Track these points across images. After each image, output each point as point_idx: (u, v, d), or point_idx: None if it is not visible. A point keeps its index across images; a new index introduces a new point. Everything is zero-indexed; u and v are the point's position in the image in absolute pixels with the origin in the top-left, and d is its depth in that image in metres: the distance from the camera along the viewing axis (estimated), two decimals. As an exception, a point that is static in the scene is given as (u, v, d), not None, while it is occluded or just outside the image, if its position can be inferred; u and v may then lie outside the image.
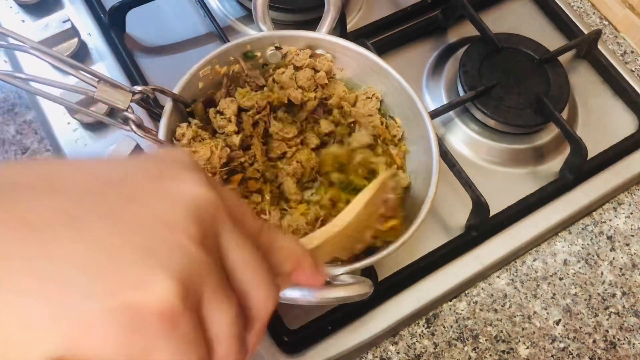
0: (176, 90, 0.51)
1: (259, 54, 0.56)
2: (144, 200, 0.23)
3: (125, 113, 0.47)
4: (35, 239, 0.21)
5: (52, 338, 0.20)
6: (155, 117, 0.54)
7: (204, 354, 0.23)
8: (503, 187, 0.64)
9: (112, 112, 0.59)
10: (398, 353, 0.56)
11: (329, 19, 0.58)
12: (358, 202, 0.42)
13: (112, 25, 0.66)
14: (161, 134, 0.49)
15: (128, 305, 0.20)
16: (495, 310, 0.59)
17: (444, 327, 0.57)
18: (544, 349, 0.57)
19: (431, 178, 0.51)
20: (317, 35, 0.57)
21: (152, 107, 0.54)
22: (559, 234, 0.63)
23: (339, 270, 0.46)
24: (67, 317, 0.20)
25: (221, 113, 0.54)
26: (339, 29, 0.65)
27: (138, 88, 0.48)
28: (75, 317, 0.20)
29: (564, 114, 0.67)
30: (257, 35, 0.56)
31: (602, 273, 0.62)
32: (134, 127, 0.48)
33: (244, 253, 0.26)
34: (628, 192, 0.67)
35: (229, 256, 0.25)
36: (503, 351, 0.57)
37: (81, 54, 0.64)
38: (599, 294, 0.61)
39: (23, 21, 0.66)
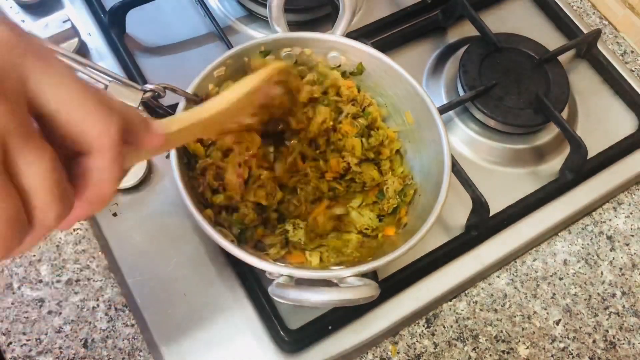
0: (190, 89, 0.51)
1: (273, 56, 0.56)
2: None
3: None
4: None
5: None
6: (157, 117, 0.54)
7: (11, 206, 0.22)
8: (503, 187, 0.64)
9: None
10: (398, 353, 0.56)
11: (344, 21, 0.59)
12: (237, 91, 0.41)
13: (112, 25, 0.66)
14: None
15: None
16: (495, 310, 0.59)
17: (444, 327, 0.57)
18: (544, 349, 0.58)
19: (442, 182, 0.51)
20: (331, 37, 0.57)
21: (156, 106, 0.54)
22: (559, 234, 0.63)
23: (346, 272, 0.46)
24: None
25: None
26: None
27: (149, 86, 0.48)
28: None
29: (564, 114, 0.67)
30: (272, 37, 0.56)
31: (602, 273, 0.62)
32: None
33: (62, 89, 0.24)
34: (628, 192, 0.67)
35: (42, 97, 0.23)
36: (503, 351, 0.57)
37: (81, 54, 0.64)
38: (599, 294, 0.61)
39: (23, 21, 0.66)
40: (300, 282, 0.45)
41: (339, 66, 0.58)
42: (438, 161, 0.53)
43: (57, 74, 0.24)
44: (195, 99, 0.52)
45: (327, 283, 0.46)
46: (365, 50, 0.56)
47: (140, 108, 0.48)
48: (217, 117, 0.39)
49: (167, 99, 0.53)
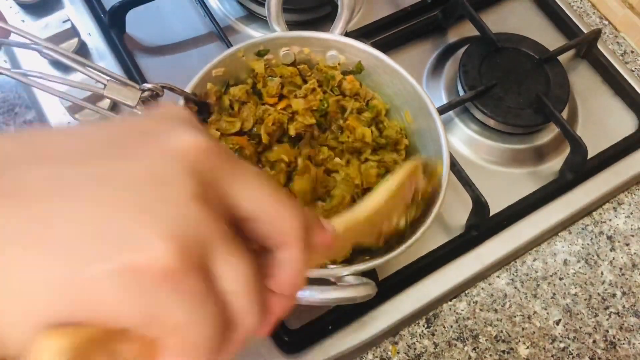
0: (188, 88, 0.51)
1: (271, 55, 0.56)
2: (137, 157, 0.22)
3: (134, 110, 0.47)
4: (23, 207, 0.20)
5: (49, 305, 0.20)
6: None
7: (217, 310, 0.22)
8: (503, 187, 0.64)
9: (114, 109, 0.59)
10: (398, 353, 0.56)
11: (342, 20, 0.59)
12: (385, 189, 0.41)
13: (112, 25, 0.66)
14: None
15: (126, 267, 0.20)
16: (495, 310, 0.59)
17: (444, 327, 0.57)
18: (544, 349, 0.58)
19: (441, 183, 0.51)
20: (330, 36, 0.57)
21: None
22: (559, 234, 0.63)
23: (344, 271, 0.46)
24: (61, 283, 0.20)
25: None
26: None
27: (148, 85, 0.48)
28: (72, 282, 0.20)
29: (564, 114, 0.67)
30: (270, 36, 0.56)
31: (602, 273, 0.62)
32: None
33: (259, 193, 0.25)
34: (628, 192, 0.67)
35: (243, 203, 0.24)
36: (503, 351, 0.57)
37: (81, 54, 0.64)
38: (599, 294, 0.61)
39: (23, 21, 0.66)
40: None
41: (338, 65, 0.58)
42: (437, 160, 0.53)
43: (254, 179, 0.25)
44: (193, 98, 0.52)
45: (324, 282, 0.46)
46: (364, 49, 0.56)
47: (138, 107, 0.47)
48: (375, 216, 0.39)
49: (167, 99, 0.53)
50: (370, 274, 0.54)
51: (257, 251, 0.26)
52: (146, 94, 0.48)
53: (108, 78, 0.47)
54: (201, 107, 0.53)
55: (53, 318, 0.20)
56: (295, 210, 0.26)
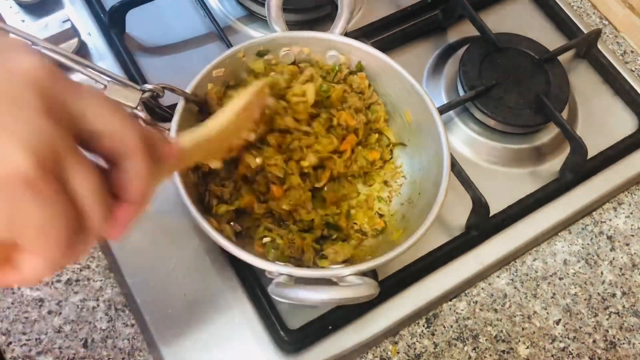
0: (189, 89, 0.51)
1: (271, 55, 0.56)
2: None
3: (135, 111, 0.47)
4: None
5: None
6: (157, 118, 0.54)
7: (70, 213, 0.26)
8: (503, 187, 0.64)
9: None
10: (398, 353, 0.56)
11: (342, 20, 0.59)
12: (232, 107, 0.44)
13: (112, 25, 0.66)
14: (172, 133, 0.49)
15: None
16: (495, 310, 0.59)
17: (444, 327, 0.57)
18: (544, 348, 0.58)
19: (441, 181, 0.51)
20: (330, 36, 0.57)
21: (155, 106, 0.54)
22: (559, 234, 0.63)
23: (345, 271, 0.46)
24: None
25: None
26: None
27: (148, 86, 0.48)
28: None
29: (564, 114, 0.67)
30: (270, 36, 0.56)
31: (602, 273, 0.62)
32: (143, 125, 0.48)
33: (102, 111, 0.28)
34: (628, 192, 0.67)
35: (85, 118, 0.28)
36: (503, 351, 0.57)
37: (81, 54, 0.64)
38: (599, 293, 0.61)
39: (23, 21, 0.66)
40: (300, 281, 0.45)
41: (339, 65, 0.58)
42: (437, 160, 0.53)
43: (94, 98, 0.28)
44: (194, 99, 0.52)
45: (326, 282, 0.46)
46: (364, 49, 0.56)
47: (139, 108, 0.48)
48: (222, 134, 0.42)
49: (167, 100, 0.53)
50: (370, 273, 0.54)
51: (107, 170, 0.29)
52: (147, 94, 0.48)
53: (108, 79, 0.47)
54: (202, 108, 0.53)
55: None
56: (135, 125, 0.29)
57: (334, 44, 0.57)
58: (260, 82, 0.51)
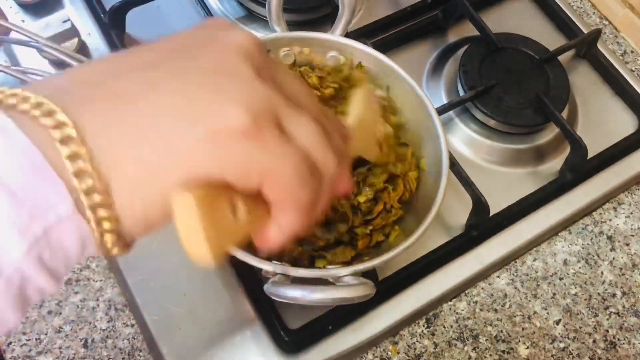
0: None
1: (272, 55, 0.56)
2: (203, 55, 0.29)
3: None
4: (131, 105, 0.27)
5: (166, 170, 0.27)
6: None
7: (299, 156, 0.29)
8: (503, 187, 0.64)
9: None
10: (398, 353, 0.56)
11: (343, 21, 0.58)
12: (357, 103, 0.44)
13: (112, 25, 0.66)
14: None
15: (212, 131, 0.26)
16: (495, 310, 0.59)
17: (444, 327, 0.57)
18: (544, 349, 0.58)
19: (440, 181, 0.51)
20: (331, 37, 0.57)
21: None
22: (559, 234, 0.63)
23: (342, 271, 0.46)
24: (169, 156, 0.26)
25: None
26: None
27: None
28: (178, 153, 0.26)
29: (564, 114, 0.67)
30: (271, 36, 0.56)
31: (602, 273, 0.62)
32: None
33: (300, 87, 0.32)
34: (628, 192, 0.67)
35: (285, 84, 0.31)
36: (503, 351, 0.57)
37: (81, 54, 0.64)
38: (599, 294, 0.61)
39: (23, 21, 0.66)
40: (296, 281, 0.45)
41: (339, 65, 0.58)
42: (437, 160, 0.53)
43: (297, 80, 0.32)
44: None
45: (323, 281, 0.46)
46: (364, 50, 0.56)
47: None
48: (363, 126, 0.43)
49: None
50: (370, 274, 0.54)
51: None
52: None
53: None
54: None
55: (180, 180, 0.27)
56: (318, 101, 0.33)
57: (335, 45, 0.57)
58: (363, 86, 0.51)
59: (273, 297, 0.45)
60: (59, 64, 0.63)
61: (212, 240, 0.28)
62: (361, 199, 0.53)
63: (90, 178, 0.25)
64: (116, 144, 0.26)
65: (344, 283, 0.45)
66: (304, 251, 0.52)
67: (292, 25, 0.60)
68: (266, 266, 0.46)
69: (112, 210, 0.26)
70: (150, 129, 0.26)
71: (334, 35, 0.57)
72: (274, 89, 0.29)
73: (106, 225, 0.26)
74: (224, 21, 0.33)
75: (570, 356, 0.58)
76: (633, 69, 0.75)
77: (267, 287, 0.45)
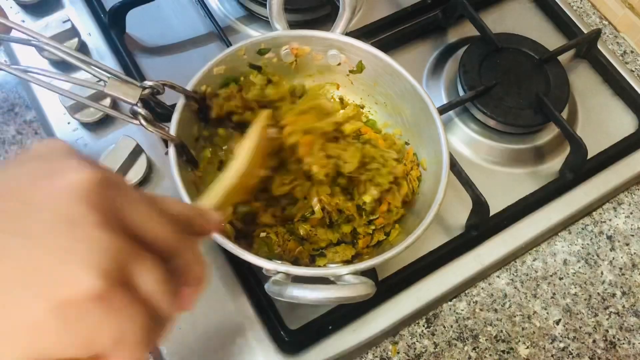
0: (189, 86, 0.51)
1: (272, 53, 0.56)
2: (42, 204, 0.26)
3: (135, 107, 0.47)
4: None
5: (15, 348, 0.24)
6: (157, 117, 0.54)
7: (145, 315, 0.27)
8: (503, 187, 0.64)
9: (115, 106, 0.59)
10: (398, 353, 0.56)
11: (343, 20, 0.59)
12: (245, 151, 0.45)
13: (112, 25, 0.66)
14: (172, 130, 0.49)
15: (62, 302, 0.24)
16: (495, 310, 0.59)
17: (444, 326, 0.57)
18: (544, 348, 0.58)
19: (440, 181, 0.51)
20: (331, 35, 0.57)
21: (155, 103, 0.53)
22: (559, 234, 0.63)
23: (343, 270, 0.46)
24: (11, 332, 0.24)
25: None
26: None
27: (148, 83, 0.48)
28: (20, 328, 0.24)
29: (564, 114, 0.67)
30: (271, 35, 0.56)
31: (602, 273, 0.62)
32: (143, 122, 0.48)
33: (146, 211, 0.29)
34: (628, 192, 0.67)
35: (134, 222, 0.28)
36: (503, 351, 0.57)
37: (81, 53, 0.64)
38: (599, 293, 0.61)
39: (23, 21, 0.66)
40: (297, 280, 0.45)
41: (339, 64, 0.58)
42: (437, 160, 0.53)
43: (141, 205, 0.29)
44: (194, 96, 0.52)
45: (323, 280, 0.46)
46: (364, 49, 0.56)
47: (139, 105, 0.47)
48: (241, 180, 0.43)
49: (167, 99, 0.53)
50: (370, 273, 0.54)
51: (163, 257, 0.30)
52: (147, 91, 0.48)
53: (109, 75, 0.47)
54: (202, 106, 0.53)
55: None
56: (176, 227, 0.30)
57: (335, 43, 0.57)
58: (259, 122, 0.51)
59: (274, 297, 0.45)
60: (60, 64, 0.63)
61: None
62: (367, 198, 0.54)
63: None
64: None
65: (344, 282, 0.45)
66: (304, 250, 0.53)
67: (293, 25, 0.60)
68: (267, 265, 0.46)
69: None
70: None
71: (335, 34, 0.57)
72: (123, 236, 0.26)
73: None
74: (60, 147, 0.29)
75: (570, 356, 0.58)
76: (633, 69, 0.75)
77: (268, 286, 0.45)
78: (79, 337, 0.25)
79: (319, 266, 0.52)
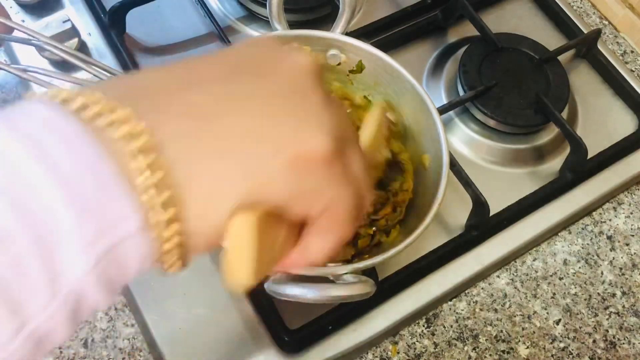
0: None
1: None
2: (277, 74, 0.29)
3: None
4: (207, 125, 0.26)
5: (240, 192, 0.26)
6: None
7: (354, 186, 0.29)
8: (503, 187, 0.64)
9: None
10: (398, 353, 0.56)
11: (343, 19, 0.59)
12: (372, 121, 0.46)
13: (112, 25, 0.66)
14: None
15: (298, 156, 0.27)
16: (495, 310, 0.59)
17: (444, 326, 0.57)
18: (544, 348, 0.58)
19: (440, 179, 0.51)
20: (331, 35, 0.57)
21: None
22: (559, 234, 0.63)
23: (342, 269, 0.46)
24: (249, 176, 0.26)
25: None
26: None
27: None
28: (257, 173, 0.26)
29: (564, 114, 0.67)
30: (271, 34, 0.56)
31: (602, 273, 0.62)
32: None
33: (345, 113, 0.32)
34: (628, 192, 0.67)
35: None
36: (503, 351, 0.57)
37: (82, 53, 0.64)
38: (599, 293, 0.61)
39: (23, 21, 0.66)
40: (296, 279, 0.45)
41: (339, 64, 0.58)
42: (437, 158, 0.53)
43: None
44: None
45: (323, 279, 0.46)
46: (364, 48, 0.56)
47: None
48: (372, 148, 0.45)
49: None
50: (370, 273, 0.54)
51: None
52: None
53: (110, 75, 0.47)
54: None
55: (242, 200, 0.26)
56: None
57: (335, 43, 0.57)
58: (380, 104, 0.52)
59: (274, 295, 0.45)
60: (60, 64, 0.63)
61: (256, 266, 0.28)
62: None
63: (167, 190, 0.24)
64: (195, 157, 0.25)
65: (344, 281, 0.45)
66: None
67: (293, 25, 0.60)
68: None
69: (185, 223, 0.25)
70: (232, 149, 0.26)
71: (335, 34, 0.57)
72: (342, 113, 0.30)
73: (176, 239, 0.25)
74: (275, 39, 0.32)
75: (570, 356, 0.58)
76: (633, 69, 0.75)
77: (268, 285, 0.45)
78: (302, 192, 0.27)
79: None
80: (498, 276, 0.61)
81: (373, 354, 0.56)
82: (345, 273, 0.46)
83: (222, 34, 0.66)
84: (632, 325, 0.60)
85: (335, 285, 0.45)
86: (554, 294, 0.60)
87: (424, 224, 0.48)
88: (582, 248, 0.63)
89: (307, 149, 0.27)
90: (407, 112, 0.57)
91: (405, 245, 0.47)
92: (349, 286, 0.45)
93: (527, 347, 0.57)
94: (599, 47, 0.73)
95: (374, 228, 0.54)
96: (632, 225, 0.65)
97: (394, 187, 0.55)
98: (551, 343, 0.58)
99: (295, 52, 0.30)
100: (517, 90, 0.66)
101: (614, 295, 0.61)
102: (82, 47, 0.65)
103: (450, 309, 0.58)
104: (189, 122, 0.25)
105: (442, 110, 0.63)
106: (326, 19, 0.70)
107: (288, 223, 0.29)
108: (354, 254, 0.53)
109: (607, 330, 0.59)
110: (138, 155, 0.23)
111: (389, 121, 0.54)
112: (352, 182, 0.29)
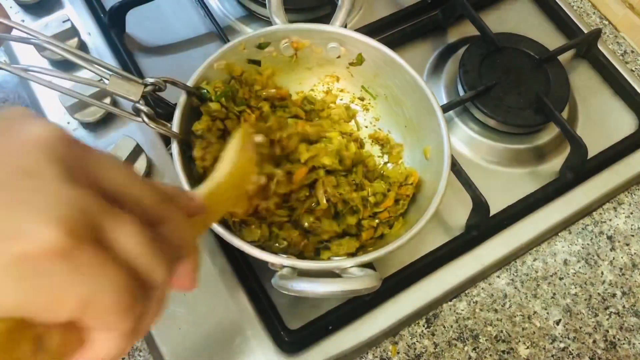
0: (190, 82, 0.51)
1: (272, 48, 0.57)
2: (2, 156, 0.24)
3: (137, 105, 0.47)
4: None
5: None
6: (159, 114, 0.54)
7: (122, 274, 0.24)
8: (503, 187, 0.64)
9: (115, 105, 0.59)
10: (398, 353, 0.56)
11: (342, 12, 0.58)
12: (230, 153, 0.43)
13: (112, 25, 0.66)
14: (175, 126, 0.49)
15: (18, 257, 0.22)
16: (495, 310, 0.59)
17: (444, 327, 0.57)
18: (544, 348, 0.58)
19: (442, 172, 0.51)
20: (331, 28, 0.57)
21: (157, 100, 0.53)
22: (559, 234, 0.63)
23: (348, 263, 0.46)
24: None
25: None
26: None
27: (150, 80, 0.48)
28: None
29: (564, 114, 0.67)
30: (271, 28, 0.56)
31: (602, 273, 0.62)
32: (145, 118, 0.48)
33: (123, 174, 0.27)
34: (628, 192, 0.67)
35: (108, 181, 0.26)
36: (503, 351, 0.57)
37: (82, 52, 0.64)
38: (599, 294, 0.61)
39: (23, 21, 0.66)
40: (303, 274, 0.45)
41: (339, 57, 0.58)
42: (438, 151, 0.53)
43: (109, 161, 0.27)
44: (195, 92, 0.52)
45: (329, 274, 0.46)
46: (364, 41, 0.56)
47: (141, 102, 0.47)
48: (232, 179, 0.41)
49: (168, 98, 0.53)
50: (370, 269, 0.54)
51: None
52: (149, 88, 0.48)
53: (110, 73, 0.47)
54: (204, 102, 0.53)
55: None
56: (159, 196, 0.28)
57: (335, 36, 0.57)
58: (238, 131, 0.49)
59: (281, 291, 0.45)
60: (60, 63, 0.63)
61: None
62: (378, 187, 0.55)
63: None
64: None
65: (350, 275, 0.45)
66: (309, 243, 0.53)
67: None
68: (273, 259, 0.46)
69: None
70: None
71: (334, 27, 0.57)
72: (90, 191, 0.24)
73: None
74: (23, 110, 0.27)
75: (570, 356, 0.58)
76: (633, 69, 0.75)
77: (275, 281, 0.45)
78: (39, 296, 0.22)
79: (323, 259, 0.52)
80: (498, 276, 0.61)
81: (373, 354, 0.56)
82: (351, 266, 0.46)
83: (222, 33, 0.66)
84: (632, 326, 0.60)
85: (342, 279, 0.45)
86: (554, 294, 0.60)
87: (426, 217, 0.48)
88: (582, 248, 0.63)
89: (32, 243, 0.22)
90: (408, 104, 0.57)
91: (409, 238, 0.47)
92: (357, 280, 0.45)
93: (527, 347, 0.57)
94: (599, 47, 0.73)
95: (377, 220, 0.54)
96: (632, 225, 0.65)
97: (397, 180, 0.55)
98: (551, 343, 0.58)
99: (31, 123, 0.25)
100: (517, 90, 0.66)
101: (614, 295, 0.61)
102: (82, 47, 0.65)
103: (450, 309, 0.58)
104: None
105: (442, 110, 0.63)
106: (326, 19, 0.70)
107: (63, 324, 0.24)
108: (358, 247, 0.53)
109: (607, 331, 0.59)
110: None
111: (260, 145, 0.51)
112: (120, 264, 0.24)
